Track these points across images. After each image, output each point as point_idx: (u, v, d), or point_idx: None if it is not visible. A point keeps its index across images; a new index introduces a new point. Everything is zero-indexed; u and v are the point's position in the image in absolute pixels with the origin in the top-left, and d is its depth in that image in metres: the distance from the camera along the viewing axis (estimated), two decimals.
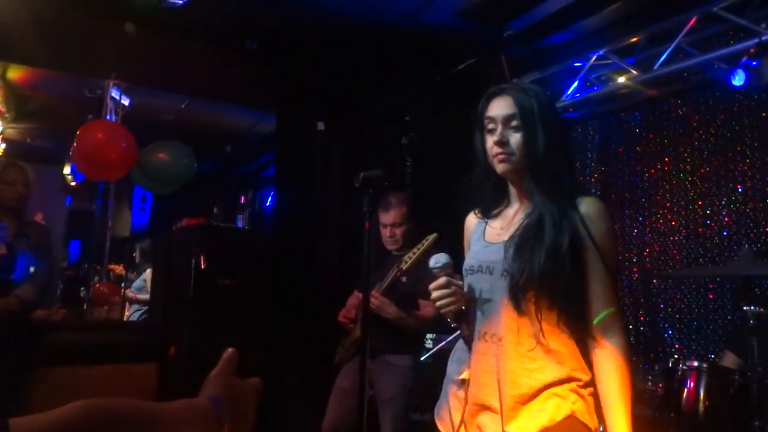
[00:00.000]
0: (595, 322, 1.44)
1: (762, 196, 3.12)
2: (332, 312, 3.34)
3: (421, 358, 3.14)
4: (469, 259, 1.60)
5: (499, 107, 1.52)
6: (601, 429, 1.44)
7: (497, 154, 1.51)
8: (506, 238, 1.51)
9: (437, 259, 1.51)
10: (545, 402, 1.41)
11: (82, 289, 5.43)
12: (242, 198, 4.08)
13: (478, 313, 1.52)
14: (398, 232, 3.18)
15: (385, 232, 3.19)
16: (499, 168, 1.53)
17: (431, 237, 2.86)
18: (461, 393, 1.56)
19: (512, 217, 1.56)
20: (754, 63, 2.96)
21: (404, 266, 2.84)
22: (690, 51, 3.27)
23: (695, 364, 2.15)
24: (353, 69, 4.17)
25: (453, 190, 4.97)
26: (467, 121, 5.04)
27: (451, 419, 1.57)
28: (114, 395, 2.63)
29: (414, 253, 2.85)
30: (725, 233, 3.24)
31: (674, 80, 3.45)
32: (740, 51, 3.02)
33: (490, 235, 1.59)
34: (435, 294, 1.50)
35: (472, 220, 1.70)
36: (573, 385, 1.43)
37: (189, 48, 3.87)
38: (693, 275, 3.33)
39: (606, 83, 3.78)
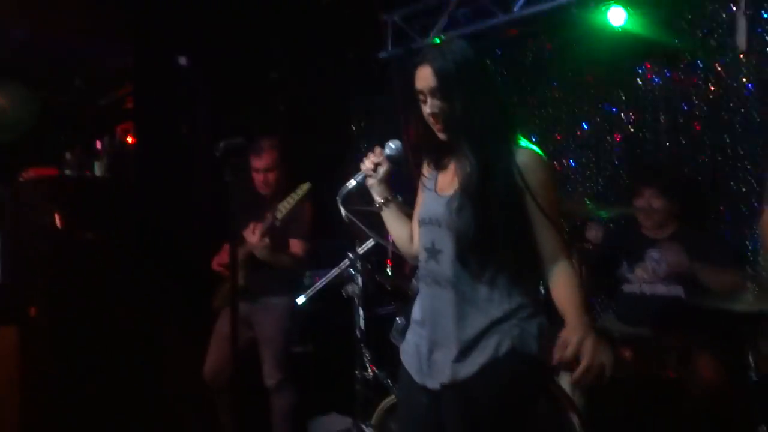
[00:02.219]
0: (545, 270, 1.58)
1: (599, 138, 3.45)
2: (206, 258, 3.30)
3: (300, 299, 3.23)
4: (421, 210, 1.72)
5: (423, 79, 1.59)
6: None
7: (434, 124, 1.62)
8: (451, 191, 1.62)
9: (388, 144, 1.75)
10: (488, 340, 1.55)
11: None
12: (99, 143, 3.77)
13: (432, 262, 1.64)
14: (271, 177, 3.18)
15: (258, 177, 3.18)
16: (440, 136, 1.63)
17: (305, 187, 2.91)
18: (422, 332, 1.67)
19: (458, 171, 1.63)
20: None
21: (279, 215, 2.88)
22: None
23: None
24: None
25: (326, 130, 4.99)
26: (341, 58, 4.97)
27: (415, 353, 1.69)
28: None
29: (288, 203, 2.89)
30: (573, 165, 3.57)
31: (533, 22, 3.62)
32: None
33: (440, 185, 1.70)
34: (365, 165, 1.76)
35: (426, 167, 1.79)
36: (514, 320, 1.56)
37: None
38: None
39: (472, 21, 3.87)
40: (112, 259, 3.32)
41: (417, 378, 1.67)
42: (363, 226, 1.72)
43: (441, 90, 1.56)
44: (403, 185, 1.95)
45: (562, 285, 1.56)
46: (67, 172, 3.55)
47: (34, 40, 4.20)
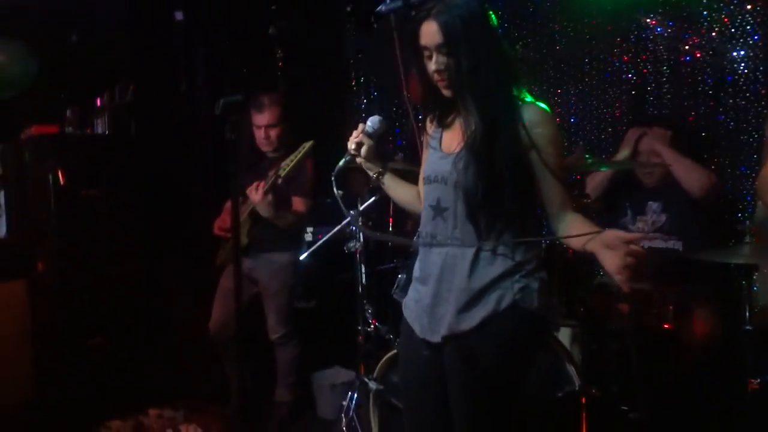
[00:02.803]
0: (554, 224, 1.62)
1: (601, 90, 3.42)
2: (209, 215, 3.33)
3: (303, 256, 3.27)
4: (426, 168, 1.73)
5: (428, 36, 1.56)
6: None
7: (439, 81, 1.60)
8: (457, 149, 1.62)
9: (371, 119, 1.81)
10: (491, 294, 1.58)
11: None
12: (98, 100, 3.75)
13: (438, 219, 1.66)
14: (273, 133, 3.17)
15: (260, 134, 3.17)
16: (445, 93, 1.62)
17: (308, 145, 2.91)
18: (424, 288, 1.70)
19: (463, 128, 1.62)
20: None
21: (282, 173, 2.89)
22: None
23: None
24: None
25: (326, 86, 4.94)
26: (338, 12, 4.89)
27: (417, 308, 1.73)
28: None
29: (291, 161, 2.90)
30: (573, 120, 3.55)
31: None
32: None
33: (445, 143, 1.70)
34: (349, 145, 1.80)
35: (430, 124, 1.78)
36: (517, 276, 1.59)
37: None
38: None
39: None
40: (115, 214, 3.36)
41: (418, 331, 1.71)
42: (346, 211, 1.79)
43: (447, 46, 1.54)
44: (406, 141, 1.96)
45: (579, 223, 1.58)
46: (69, 129, 3.55)
47: None
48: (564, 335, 2.53)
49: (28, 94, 3.85)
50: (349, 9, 4.38)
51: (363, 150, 1.81)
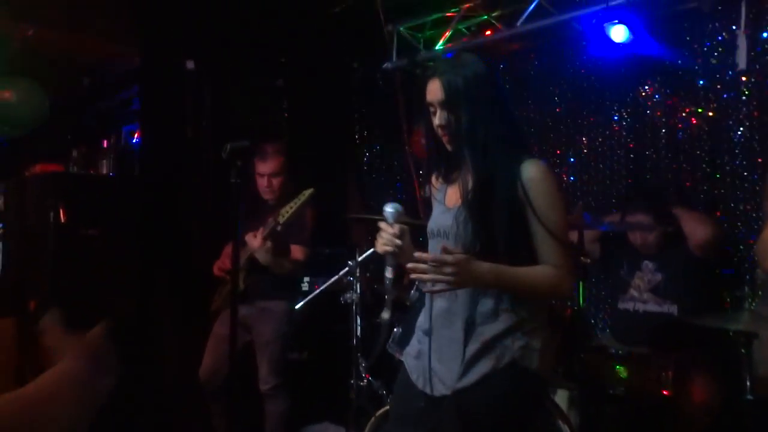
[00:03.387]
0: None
1: (599, 154, 3.48)
2: (207, 259, 3.32)
3: (298, 305, 3.24)
4: (431, 223, 1.74)
5: (433, 92, 1.64)
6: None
7: (443, 136, 1.65)
8: (458, 203, 1.64)
9: (387, 210, 1.63)
10: (492, 352, 1.57)
11: None
12: (105, 142, 3.80)
13: None
14: (275, 182, 3.20)
15: (262, 182, 3.20)
16: (448, 147, 1.66)
17: (308, 193, 2.93)
18: (427, 340, 1.68)
19: (465, 184, 1.65)
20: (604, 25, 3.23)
21: (281, 220, 2.90)
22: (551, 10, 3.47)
23: None
24: (225, 5, 3.95)
25: (330, 139, 5.03)
26: (344, 67, 5.03)
27: (418, 359, 1.70)
28: None
29: (291, 207, 2.91)
30: (572, 179, 3.60)
31: (535, 36, 3.66)
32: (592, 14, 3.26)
33: (448, 198, 1.73)
34: (384, 242, 1.62)
35: (435, 179, 1.81)
36: (518, 333, 1.58)
37: None
38: None
39: (474, 35, 3.92)
40: (113, 255, 3.33)
41: (418, 383, 1.69)
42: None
43: (448, 103, 1.60)
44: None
45: (538, 267, 1.58)
46: (74, 168, 3.59)
47: (45, 40, 4.25)
48: (561, 398, 2.48)
49: (36, 133, 3.91)
50: (355, 65, 4.50)
51: (403, 239, 1.65)
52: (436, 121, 1.64)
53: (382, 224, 1.63)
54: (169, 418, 3.44)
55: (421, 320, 1.76)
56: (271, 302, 3.16)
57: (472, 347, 1.59)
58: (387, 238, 1.62)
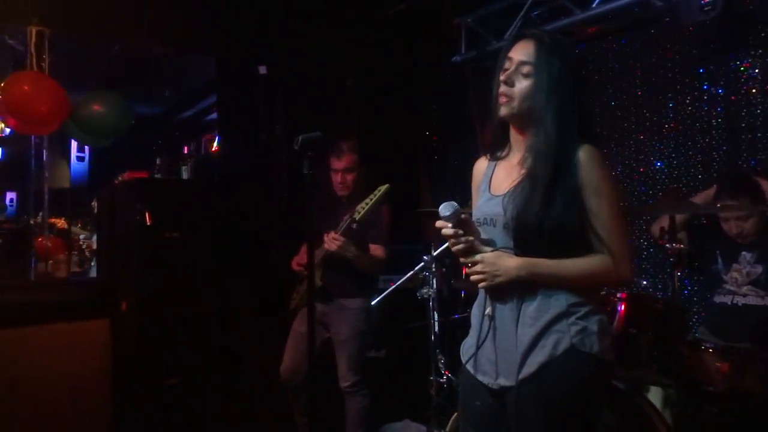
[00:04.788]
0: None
1: (687, 136, 3.26)
2: (285, 258, 3.38)
3: (374, 302, 3.23)
4: (476, 212, 1.70)
5: (519, 51, 1.59)
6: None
7: (500, 94, 1.59)
8: (506, 189, 1.60)
9: (443, 211, 1.56)
10: (547, 338, 1.53)
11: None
12: (186, 148, 3.97)
13: None
14: (349, 178, 3.21)
15: (336, 178, 3.22)
16: (501, 111, 1.60)
17: (383, 188, 2.91)
18: (480, 333, 1.65)
19: (513, 167, 1.63)
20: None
21: (357, 216, 2.90)
22: None
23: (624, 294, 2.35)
24: (294, 10, 4.02)
25: (402, 134, 5.01)
26: (414, 61, 5.00)
27: (473, 355, 1.68)
28: (68, 354, 2.62)
29: (367, 204, 2.91)
30: (659, 165, 3.39)
31: (612, 18, 3.48)
32: None
33: (494, 185, 1.68)
34: (451, 243, 1.59)
35: (480, 166, 1.77)
36: (572, 318, 1.53)
37: None
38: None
39: (546, 21, 3.78)
40: (195, 256, 3.46)
41: (479, 377, 1.65)
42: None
43: (533, 67, 1.55)
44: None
45: (584, 258, 1.54)
46: (158, 175, 3.76)
47: (131, 55, 4.50)
48: (655, 396, 2.33)
49: (125, 143, 4.14)
50: (425, 59, 4.46)
51: (466, 233, 1.60)
52: (503, 75, 1.58)
53: (438, 223, 1.58)
54: (250, 417, 3.53)
55: (474, 313, 1.72)
56: (348, 300, 3.17)
57: (528, 336, 1.54)
58: (451, 235, 1.58)
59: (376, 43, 4.24)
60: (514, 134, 1.66)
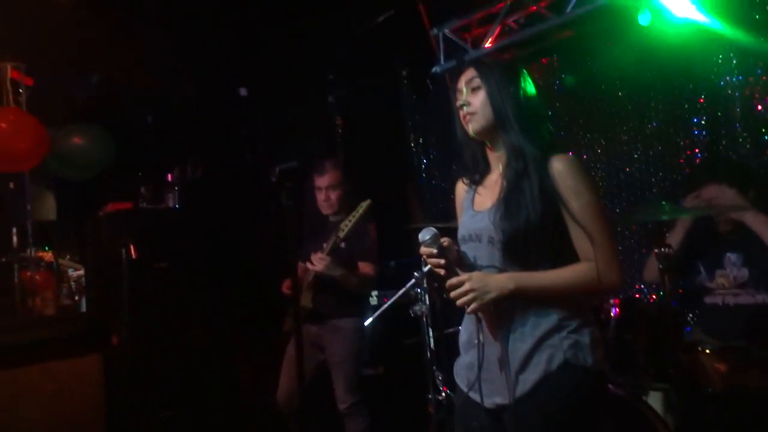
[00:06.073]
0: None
1: (667, 135, 3.27)
2: (276, 282, 3.35)
3: (367, 322, 3.21)
4: (461, 229, 1.70)
5: (462, 78, 1.65)
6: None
7: (463, 117, 1.63)
8: (489, 205, 1.62)
9: (423, 237, 1.56)
10: (540, 355, 1.52)
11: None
12: (169, 176, 3.94)
13: None
14: (333, 195, 3.19)
15: (320, 196, 3.20)
16: (469, 129, 1.64)
17: (365, 204, 2.90)
18: (473, 351, 1.63)
19: (494, 184, 1.65)
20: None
21: (341, 235, 2.88)
22: None
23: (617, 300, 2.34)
24: (271, 29, 4.02)
25: (386, 148, 4.98)
26: (394, 76, 4.97)
27: (466, 376, 1.66)
28: (60, 393, 2.54)
29: (350, 221, 2.89)
30: (637, 167, 3.39)
31: (587, 21, 3.50)
32: None
33: (477, 202, 1.70)
34: (432, 266, 1.58)
35: (461, 188, 1.79)
36: (564, 332, 1.52)
37: (97, 22, 3.59)
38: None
39: (523, 28, 3.79)
40: (186, 286, 3.43)
41: (473, 396, 1.63)
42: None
43: (479, 77, 1.60)
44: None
45: (568, 267, 1.53)
46: (143, 204, 3.73)
47: (109, 83, 4.47)
48: (655, 400, 2.32)
49: (108, 173, 4.11)
50: (404, 72, 4.47)
51: (449, 256, 1.59)
52: (459, 102, 1.63)
53: (422, 249, 1.57)
54: None
55: (462, 332, 1.71)
56: (341, 320, 3.14)
57: (520, 353, 1.53)
58: (434, 261, 1.57)
59: (355, 60, 4.24)
60: (489, 153, 1.69)
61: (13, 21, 3.35)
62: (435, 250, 1.55)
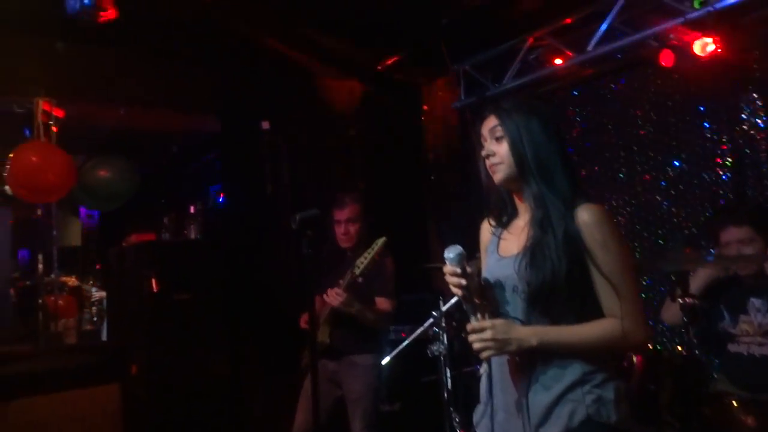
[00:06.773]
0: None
1: (693, 174, 3.24)
2: (294, 315, 3.35)
3: (384, 360, 3.18)
4: (485, 273, 1.66)
5: (486, 126, 1.63)
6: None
7: (490, 167, 1.61)
8: (515, 251, 1.57)
9: (447, 254, 1.53)
10: (562, 408, 1.47)
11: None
12: (192, 207, 4.00)
13: None
14: (352, 229, 3.20)
15: (339, 230, 3.21)
16: (495, 179, 1.62)
17: (380, 241, 2.90)
18: (493, 400, 1.60)
19: (521, 230, 1.60)
20: (680, 42, 3.04)
21: (357, 271, 2.88)
22: (623, 30, 3.33)
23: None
24: (293, 63, 4.09)
25: (406, 183, 4.99)
26: (414, 111, 5.02)
27: (489, 423, 1.61)
28: (78, 422, 2.57)
29: (366, 258, 2.89)
30: (665, 205, 3.36)
31: (608, 59, 3.51)
32: (668, 29, 3.09)
33: (502, 247, 1.66)
34: (452, 285, 1.55)
35: (486, 229, 1.75)
36: (587, 386, 1.47)
37: (123, 58, 3.70)
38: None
39: (543, 65, 3.82)
40: (206, 318, 3.45)
41: None
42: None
43: (501, 127, 1.58)
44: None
45: (593, 323, 1.49)
46: (165, 235, 3.78)
47: (135, 117, 4.58)
48: None
49: (132, 204, 4.18)
50: (425, 107, 4.51)
51: (471, 282, 1.55)
52: (483, 152, 1.61)
53: (446, 268, 1.54)
54: None
55: (483, 381, 1.66)
56: (358, 356, 3.12)
57: (541, 405, 1.48)
58: (455, 281, 1.53)
59: (376, 93, 4.29)
60: (516, 198, 1.66)
61: (42, 59, 3.47)
62: (459, 270, 1.52)
